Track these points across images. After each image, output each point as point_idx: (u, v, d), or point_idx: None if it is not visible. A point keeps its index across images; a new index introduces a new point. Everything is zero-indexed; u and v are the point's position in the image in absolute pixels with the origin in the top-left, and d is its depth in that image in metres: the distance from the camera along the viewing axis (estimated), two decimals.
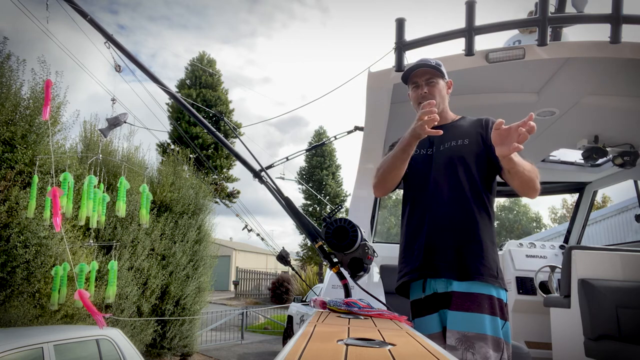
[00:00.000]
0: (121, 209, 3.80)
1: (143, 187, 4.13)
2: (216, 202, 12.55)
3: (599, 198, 21.05)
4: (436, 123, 1.62)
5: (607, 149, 3.70)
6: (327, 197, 22.30)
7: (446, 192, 1.82)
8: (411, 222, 1.90)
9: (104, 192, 3.81)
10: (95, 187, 3.64)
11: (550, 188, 5.20)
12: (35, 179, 3.63)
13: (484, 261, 1.71)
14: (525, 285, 4.17)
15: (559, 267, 3.89)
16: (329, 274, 3.13)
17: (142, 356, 4.01)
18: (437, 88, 1.90)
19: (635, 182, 4.54)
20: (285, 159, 3.31)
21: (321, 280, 15.52)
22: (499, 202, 30.78)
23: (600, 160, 4.03)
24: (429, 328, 1.76)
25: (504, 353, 1.63)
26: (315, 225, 2.28)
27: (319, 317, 1.41)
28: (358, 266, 1.97)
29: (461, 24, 2.54)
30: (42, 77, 4.65)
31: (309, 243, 12.17)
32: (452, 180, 1.81)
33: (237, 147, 3.03)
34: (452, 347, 1.63)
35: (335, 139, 3.80)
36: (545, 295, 3.82)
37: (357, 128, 3.66)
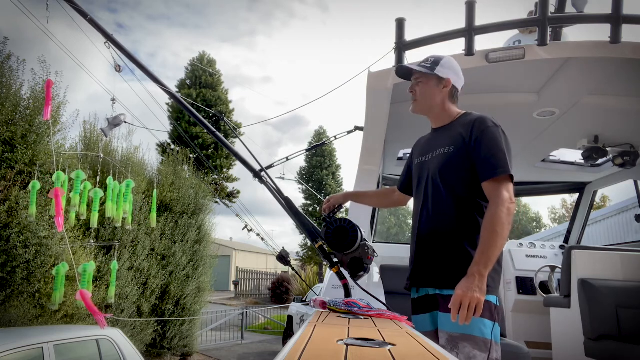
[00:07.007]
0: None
1: (154, 192, 4.48)
2: (216, 202, 12.55)
3: (597, 198, 21.02)
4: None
5: (607, 149, 3.69)
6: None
7: (431, 204, 1.84)
8: (412, 229, 1.99)
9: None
10: (82, 182, 3.60)
11: (550, 188, 5.20)
12: (60, 175, 3.37)
13: None
14: (525, 285, 4.17)
15: (559, 267, 3.89)
16: (329, 274, 3.13)
17: (142, 356, 4.01)
18: (422, 87, 1.92)
19: (635, 182, 4.53)
20: (285, 159, 3.31)
21: (321, 280, 15.52)
22: None
23: (600, 160, 4.02)
24: (423, 326, 1.84)
25: (492, 354, 1.65)
26: (315, 225, 2.28)
27: (319, 317, 1.41)
28: (358, 266, 1.98)
29: (461, 24, 2.55)
30: (42, 77, 4.64)
31: (309, 243, 12.16)
32: (436, 193, 1.82)
33: (237, 147, 3.02)
34: (443, 346, 1.67)
35: (335, 139, 3.80)
36: (545, 295, 3.82)
37: (357, 128, 3.66)
